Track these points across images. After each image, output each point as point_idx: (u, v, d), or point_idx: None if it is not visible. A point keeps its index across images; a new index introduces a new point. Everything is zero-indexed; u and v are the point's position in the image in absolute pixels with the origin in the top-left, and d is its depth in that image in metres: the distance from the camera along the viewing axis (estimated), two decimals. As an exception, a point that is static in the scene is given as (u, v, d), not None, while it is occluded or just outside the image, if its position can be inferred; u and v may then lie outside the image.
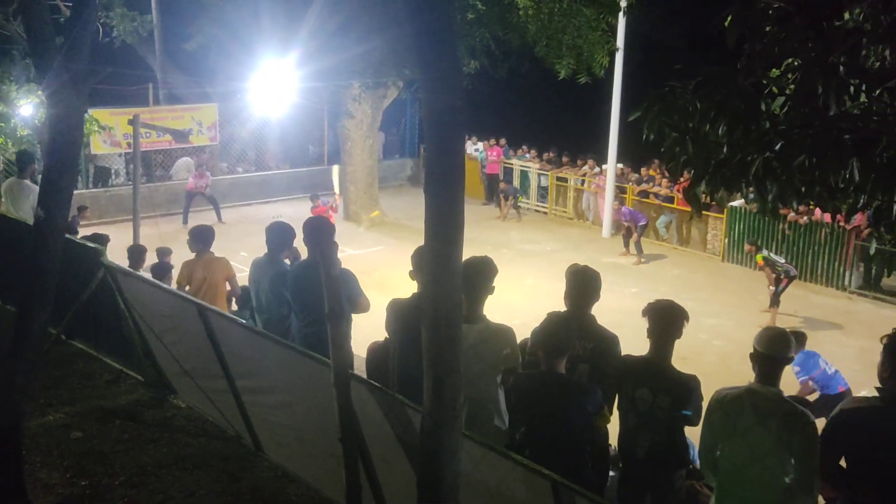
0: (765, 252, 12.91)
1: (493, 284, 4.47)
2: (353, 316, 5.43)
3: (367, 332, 5.76)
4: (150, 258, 9.31)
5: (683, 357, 9.63)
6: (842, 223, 14.24)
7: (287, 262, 6.13)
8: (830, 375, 7.99)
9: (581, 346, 4.37)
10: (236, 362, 5.20)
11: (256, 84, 16.12)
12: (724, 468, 3.96)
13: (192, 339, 5.46)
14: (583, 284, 4.55)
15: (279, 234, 5.97)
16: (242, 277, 7.19)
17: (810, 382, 7.93)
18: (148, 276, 7.49)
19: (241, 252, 13.17)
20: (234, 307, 7.68)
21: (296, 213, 15.55)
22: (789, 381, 4.48)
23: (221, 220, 17.37)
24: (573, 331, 4.15)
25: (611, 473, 4.55)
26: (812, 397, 7.85)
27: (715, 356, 10.82)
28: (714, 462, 4.00)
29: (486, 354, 4.33)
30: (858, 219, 13.49)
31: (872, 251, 13.94)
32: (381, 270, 13.63)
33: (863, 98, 3.54)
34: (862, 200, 3.81)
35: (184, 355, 5.88)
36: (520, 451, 3.91)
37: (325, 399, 4.04)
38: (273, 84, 15.95)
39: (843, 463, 3.76)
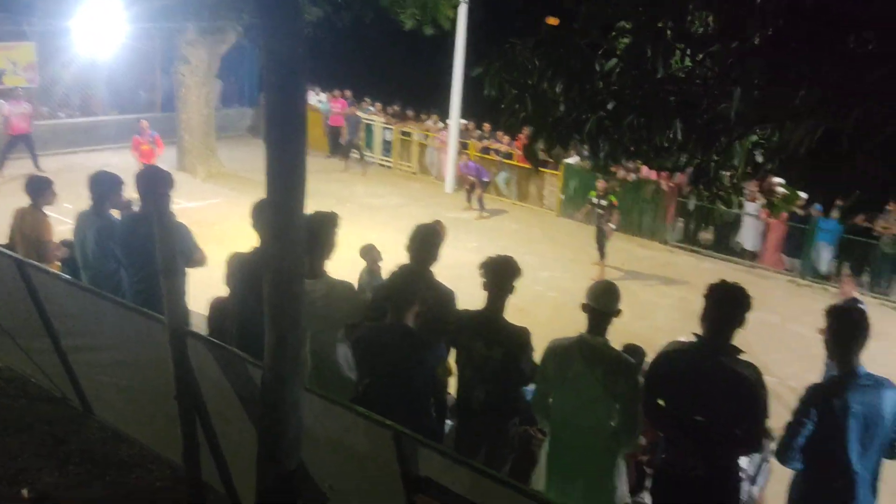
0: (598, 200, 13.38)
1: (336, 241, 4.44)
2: (190, 271, 5.23)
3: (205, 287, 5.56)
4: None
5: (521, 308, 9.97)
6: (664, 181, 15.17)
7: (114, 214, 5.78)
8: None
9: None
10: (61, 320, 4.89)
11: (80, 23, 14.95)
12: (555, 414, 4.16)
13: (10, 295, 5.07)
14: (423, 240, 4.61)
15: (103, 184, 5.60)
16: (67, 230, 6.72)
17: None
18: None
19: (64, 203, 12.27)
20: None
21: (125, 162, 14.72)
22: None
23: (39, 167, 16.10)
24: (421, 283, 4.20)
25: (448, 423, 4.67)
26: None
27: (550, 308, 11.30)
28: (547, 409, 4.20)
29: (329, 310, 4.32)
30: (680, 177, 14.41)
31: (692, 207, 14.97)
32: (220, 224, 13.17)
33: (687, 62, 3.74)
34: (684, 159, 4.06)
35: (1, 312, 5.46)
36: (364, 402, 3.95)
37: (160, 356, 3.88)
38: (99, 23, 14.84)
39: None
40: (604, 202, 13.14)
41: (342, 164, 19.65)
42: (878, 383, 3.74)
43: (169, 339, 3.73)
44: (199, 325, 5.29)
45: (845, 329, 3.81)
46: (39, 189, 6.62)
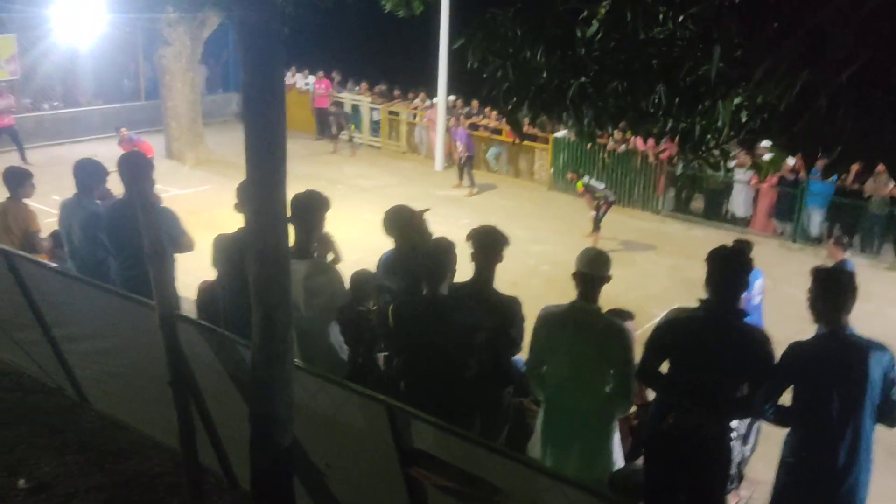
0: (585, 179, 13.48)
1: (323, 222, 4.44)
2: (179, 256, 5.21)
3: (195, 272, 5.55)
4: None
5: (513, 282, 10.01)
6: (654, 150, 15.16)
7: (99, 202, 5.74)
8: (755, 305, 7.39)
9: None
10: (52, 310, 4.86)
11: (60, 11, 14.80)
12: (549, 383, 4.17)
13: (0, 287, 5.05)
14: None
15: (87, 173, 5.57)
16: (55, 222, 6.68)
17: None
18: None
19: (52, 195, 12.18)
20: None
21: (111, 152, 14.59)
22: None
23: (26, 160, 15.98)
24: (453, 255, 4.16)
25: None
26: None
27: (542, 280, 11.31)
28: (541, 378, 4.20)
29: (317, 289, 4.30)
30: (668, 146, 14.40)
31: (679, 172, 15.00)
32: (209, 210, 13.11)
33: (668, 24, 3.71)
34: (669, 124, 4.03)
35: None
36: (395, 380, 3.97)
37: (152, 342, 3.87)
38: (79, 12, 14.70)
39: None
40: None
41: (331, 146, 19.57)
42: (867, 345, 3.73)
43: (159, 325, 3.72)
44: (190, 309, 5.27)
45: (829, 290, 3.81)
46: (18, 181, 6.59)
